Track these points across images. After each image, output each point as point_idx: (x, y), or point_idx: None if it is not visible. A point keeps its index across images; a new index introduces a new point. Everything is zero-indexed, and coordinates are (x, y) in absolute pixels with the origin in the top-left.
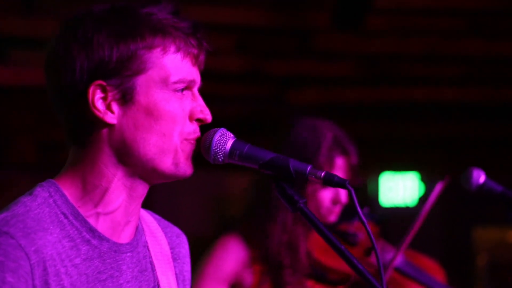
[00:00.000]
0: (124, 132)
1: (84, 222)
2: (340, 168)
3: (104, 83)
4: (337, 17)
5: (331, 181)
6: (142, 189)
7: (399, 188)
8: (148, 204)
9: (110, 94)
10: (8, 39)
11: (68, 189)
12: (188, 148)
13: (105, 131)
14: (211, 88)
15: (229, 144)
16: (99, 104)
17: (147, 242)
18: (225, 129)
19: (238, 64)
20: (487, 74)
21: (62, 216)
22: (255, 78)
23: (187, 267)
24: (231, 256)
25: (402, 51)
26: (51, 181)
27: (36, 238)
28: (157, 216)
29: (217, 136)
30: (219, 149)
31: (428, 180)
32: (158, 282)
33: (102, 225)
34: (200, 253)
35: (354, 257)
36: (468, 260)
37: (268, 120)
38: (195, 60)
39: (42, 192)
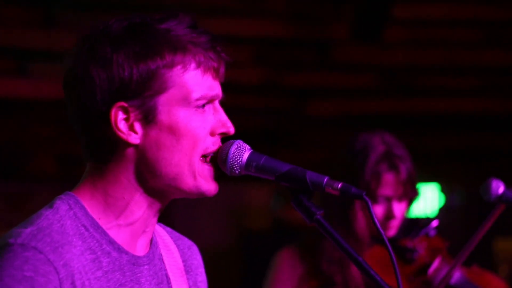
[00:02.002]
0: (147, 152)
1: (104, 234)
2: (388, 184)
3: (126, 105)
4: (356, 29)
5: (348, 193)
6: (163, 203)
7: (420, 199)
8: (167, 215)
9: (132, 115)
10: (27, 52)
11: (88, 202)
12: (208, 166)
13: (128, 150)
14: (230, 100)
15: (245, 156)
16: (122, 126)
17: (161, 255)
18: (241, 141)
19: (257, 76)
20: (506, 85)
21: (83, 228)
22: (274, 90)
23: (201, 277)
24: (286, 273)
25: (421, 62)
26: (70, 193)
27: (63, 252)
28: (168, 229)
29: (233, 148)
30: (236, 161)
31: (448, 191)
32: None
33: (121, 237)
34: (220, 264)
35: (372, 269)
36: (489, 271)
37: (287, 132)
38: (216, 74)
39: (62, 205)
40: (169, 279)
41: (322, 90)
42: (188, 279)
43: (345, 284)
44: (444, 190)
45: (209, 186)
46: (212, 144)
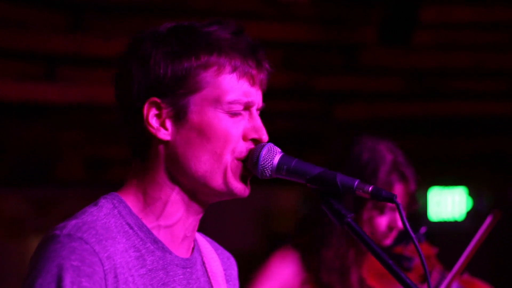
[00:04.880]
0: (177, 148)
1: (148, 233)
2: (397, 195)
3: (158, 101)
4: (383, 32)
5: (379, 196)
6: (199, 206)
7: (447, 203)
8: None
9: (164, 112)
10: (55, 56)
11: (131, 201)
12: (239, 168)
13: (160, 147)
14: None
15: (276, 158)
16: (154, 121)
17: (204, 262)
18: (272, 144)
19: (285, 80)
20: None
21: (127, 226)
22: (302, 93)
23: None
24: (286, 271)
25: (448, 65)
26: (114, 193)
27: (107, 245)
28: (208, 238)
29: (264, 151)
30: (267, 163)
31: (476, 195)
32: None
33: (163, 238)
34: (248, 268)
35: (405, 275)
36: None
37: (315, 135)
38: (253, 81)
39: (106, 203)
40: (212, 285)
41: (350, 94)
42: (228, 286)
43: None
44: (471, 193)
45: (240, 186)
46: (245, 148)
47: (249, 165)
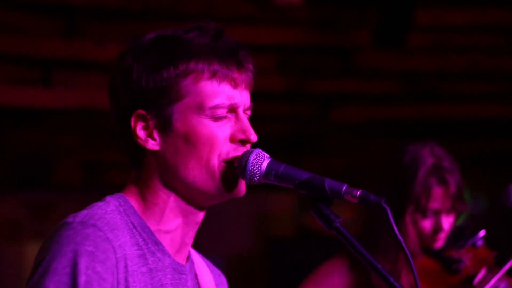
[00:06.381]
0: (166, 157)
1: (151, 234)
2: (437, 198)
3: (144, 113)
4: (378, 35)
5: (366, 200)
6: (196, 213)
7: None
8: None
9: (150, 123)
10: (50, 61)
11: (134, 203)
12: (229, 170)
13: (151, 156)
14: (254, 107)
15: (264, 164)
16: (141, 133)
17: (196, 274)
18: (260, 150)
19: (279, 84)
20: None
21: (131, 225)
22: (297, 97)
23: None
24: (334, 276)
25: (443, 68)
26: (120, 193)
27: (119, 234)
28: (200, 254)
29: (252, 157)
30: (255, 169)
31: (472, 197)
32: None
33: (164, 241)
34: (244, 271)
35: (393, 279)
36: None
37: (310, 139)
38: (235, 83)
39: (113, 200)
40: None
41: (345, 97)
42: None
43: None
44: (468, 196)
45: (232, 186)
46: (233, 150)
47: (237, 170)
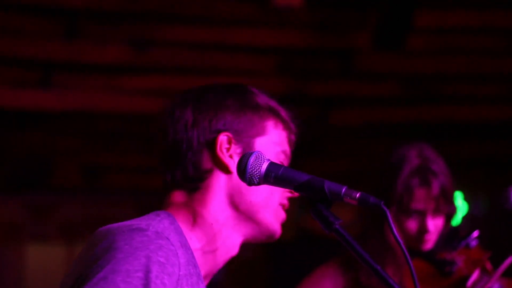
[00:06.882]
0: (238, 181)
1: (192, 256)
2: (420, 199)
3: (231, 135)
4: (378, 38)
5: (366, 202)
6: (238, 243)
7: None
8: None
9: (233, 147)
10: (51, 63)
11: (181, 223)
12: (283, 213)
13: (222, 177)
14: None
15: (264, 166)
16: (225, 151)
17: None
18: (260, 152)
19: (279, 86)
20: None
21: (180, 244)
22: (297, 99)
23: None
24: (326, 284)
25: (443, 70)
26: (166, 212)
27: (184, 253)
28: None
29: (252, 159)
30: (254, 171)
31: (471, 199)
32: None
33: (202, 264)
34: (245, 273)
35: (393, 281)
36: None
37: (310, 141)
38: (292, 144)
39: (166, 218)
40: None
41: (345, 99)
42: None
43: None
44: (467, 198)
45: (279, 229)
46: (286, 200)
47: (237, 172)
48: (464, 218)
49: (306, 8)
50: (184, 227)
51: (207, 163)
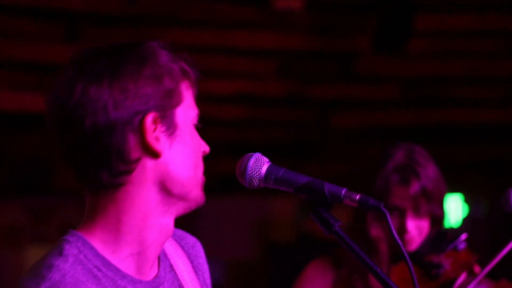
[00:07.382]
0: (170, 163)
1: (116, 270)
2: (397, 196)
3: (156, 114)
4: (378, 41)
5: (366, 204)
6: (171, 224)
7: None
8: (191, 228)
9: (159, 126)
10: (51, 66)
11: (98, 239)
12: (203, 178)
13: (150, 165)
14: (253, 112)
15: (264, 168)
16: (152, 134)
17: (172, 265)
18: (260, 154)
19: (280, 89)
20: None
21: (96, 269)
22: (297, 102)
23: (207, 274)
24: (318, 279)
25: (443, 73)
26: (77, 234)
27: (100, 278)
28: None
29: (252, 161)
30: (254, 173)
31: (472, 202)
32: None
33: (133, 266)
34: (245, 276)
35: (391, 281)
36: None
37: (310, 144)
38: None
39: (71, 249)
40: (183, 287)
41: (345, 102)
42: (198, 279)
43: None
44: (468, 200)
45: (204, 196)
46: (202, 160)
47: (237, 175)
48: (465, 220)
49: (306, 11)
50: (103, 240)
51: (135, 152)
